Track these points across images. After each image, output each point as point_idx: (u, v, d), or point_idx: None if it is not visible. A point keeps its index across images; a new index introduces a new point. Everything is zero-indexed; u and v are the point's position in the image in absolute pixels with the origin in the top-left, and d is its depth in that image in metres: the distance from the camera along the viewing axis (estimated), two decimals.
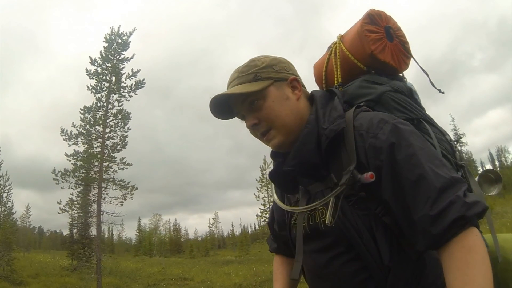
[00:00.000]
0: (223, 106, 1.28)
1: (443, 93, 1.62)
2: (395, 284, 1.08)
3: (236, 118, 1.33)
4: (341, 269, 1.16)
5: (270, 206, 1.68)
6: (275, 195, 1.42)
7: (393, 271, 1.08)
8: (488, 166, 66.27)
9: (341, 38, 1.59)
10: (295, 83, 1.28)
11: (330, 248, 1.19)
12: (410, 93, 1.42)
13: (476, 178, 1.44)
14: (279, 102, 1.23)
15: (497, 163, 66.83)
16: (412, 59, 1.55)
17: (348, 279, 1.14)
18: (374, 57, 1.44)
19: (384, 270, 1.08)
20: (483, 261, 0.93)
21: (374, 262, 1.09)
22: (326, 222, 1.11)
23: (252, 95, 1.21)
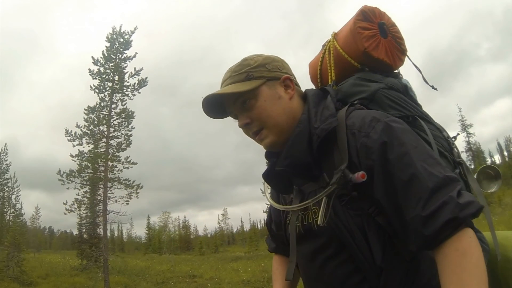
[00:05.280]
0: (216, 106, 1.27)
1: (436, 89, 1.60)
2: (388, 285, 1.07)
3: (230, 117, 1.32)
4: (335, 271, 1.15)
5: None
6: (267, 195, 1.43)
7: (385, 272, 1.07)
8: (497, 157, 65.75)
9: (335, 35, 1.57)
10: (288, 82, 1.27)
11: (324, 249, 1.18)
12: (405, 90, 1.40)
13: (475, 175, 1.42)
14: (271, 101, 1.22)
15: (505, 153, 66.19)
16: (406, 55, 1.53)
17: (342, 281, 1.14)
18: (367, 54, 1.42)
19: (376, 271, 1.07)
20: (477, 264, 0.92)
21: (366, 262, 1.08)
22: (318, 222, 1.10)
23: (244, 95, 1.20)
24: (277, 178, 1.32)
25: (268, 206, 1.61)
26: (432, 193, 0.97)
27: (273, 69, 1.25)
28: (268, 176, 1.33)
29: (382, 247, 1.07)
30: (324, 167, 1.17)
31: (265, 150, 1.34)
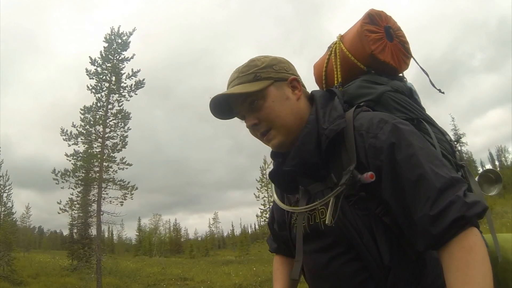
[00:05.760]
0: (223, 106, 1.28)
1: (443, 93, 1.62)
2: (395, 284, 1.08)
3: (236, 118, 1.32)
4: (341, 269, 1.16)
5: (270, 206, 1.68)
6: (275, 195, 1.42)
7: (393, 271, 1.08)
8: (488, 166, 66.00)
9: (341, 38, 1.59)
10: (295, 83, 1.27)
11: (330, 248, 1.19)
12: (410, 93, 1.42)
13: (476, 178, 1.44)
14: (279, 102, 1.23)
15: (497, 163, 66.51)
16: (412, 59, 1.55)
17: (348, 279, 1.14)
18: (374, 57, 1.43)
19: (384, 270, 1.08)
20: (483, 261, 0.93)
21: (374, 262, 1.09)
22: (326, 222, 1.11)
23: (252, 95, 1.21)
24: (283, 177, 1.32)
25: (269, 207, 1.62)
26: (439, 193, 0.98)
27: (280, 70, 1.26)
28: (274, 176, 1.34)
29: (390, 247, 1.09)
30: (332, 167, 1.18)
31: (270, 150, 1.34)
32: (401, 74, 1.54)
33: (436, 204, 0.97)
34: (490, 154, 69.48)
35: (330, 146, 1.17)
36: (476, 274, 0.91)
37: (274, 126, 1.23)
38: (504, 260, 1.31)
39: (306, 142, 1.19)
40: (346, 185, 1.08)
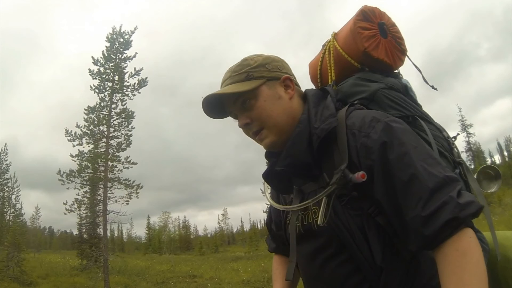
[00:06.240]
0: (216, 106, 1.27)
1: (436, 89, 1.60)
2: (388, 285, 1.07)
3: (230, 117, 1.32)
4: (335, 271, 1.15)
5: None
6: (267, 195, 1.42)
7: (385, 272, 1.07)
8: (497, 157, 65.61)
9: (335, 35, 1.57)
10: (288, 82, 1.26)
11: (323, 249, 1.18)
12: (405, 90, 1.39)
13: (475, 175, 1.42)
14: (271, 101, 1.22)
15: (505, 153, 66.00)
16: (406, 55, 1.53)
17: (342, 281, 1.14)
18: (367, 55, 1.41)
19: (376, 271, 1.07)
20: (477, 265, 0.92)
21: (366, 262, 1.08)
22: (318, 222, 1.10)
23: (243, 95, 1.20)
24: (277, 178, 1.31)
25: (268, 206, 1.61)
26: (432, 193, 0.97)
27: (273, 69, 1.25)
28: (268, 176, 1.33)
29: (382, 247, 1.07)
30: (324, 167, 1.17)
31: (265, 150, 1.33)
32: (396, 71, 1.51)
33: (428, 205, 0.96)
34: (499, 144, 68.80)
35: (322, 146, 1.16)
36: (470, 278, 0.90)
37: (266, 126, 1.22)
38: (504, 258, 1.30)
39: (298, 142, 1.18)
40: (336, 184, 1.08)
